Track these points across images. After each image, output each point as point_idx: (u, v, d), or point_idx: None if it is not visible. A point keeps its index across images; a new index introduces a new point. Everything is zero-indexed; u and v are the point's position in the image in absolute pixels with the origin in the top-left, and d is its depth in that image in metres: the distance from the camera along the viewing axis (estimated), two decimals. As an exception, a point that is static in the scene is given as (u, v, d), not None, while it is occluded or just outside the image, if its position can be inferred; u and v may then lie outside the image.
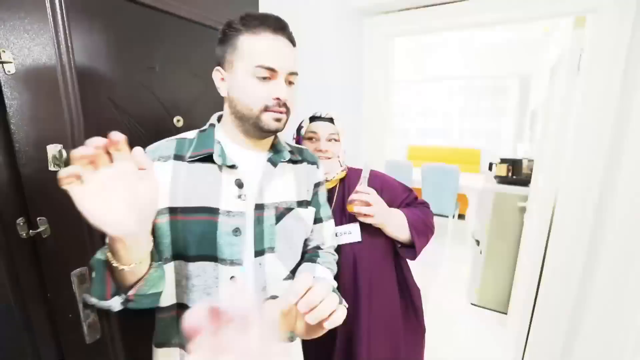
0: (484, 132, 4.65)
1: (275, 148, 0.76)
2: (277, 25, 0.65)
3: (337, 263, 0.87)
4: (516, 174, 2.42)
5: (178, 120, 1.07)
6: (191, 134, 0.73)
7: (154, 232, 0.62)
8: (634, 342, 0.86)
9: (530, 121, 3.53)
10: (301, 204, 0.76)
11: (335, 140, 0.95)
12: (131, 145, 0.51)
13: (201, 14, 1.10)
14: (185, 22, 1.06)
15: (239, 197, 0.66)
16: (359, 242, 0.93)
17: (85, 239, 0.83)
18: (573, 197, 1.21)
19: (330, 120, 0.96)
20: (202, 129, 0.74)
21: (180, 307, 0.68)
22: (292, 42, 0.69)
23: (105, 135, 0.47)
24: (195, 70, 1.11)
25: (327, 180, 0.95)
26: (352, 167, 1.04)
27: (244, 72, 0.64)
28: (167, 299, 0.67)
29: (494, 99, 4.70)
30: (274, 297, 0.71)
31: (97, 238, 0.86)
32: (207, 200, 0.64)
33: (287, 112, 0.68)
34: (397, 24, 1.40)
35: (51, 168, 0.72)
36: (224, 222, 0.64)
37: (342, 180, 1.00)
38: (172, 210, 0.64)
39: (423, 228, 0.93)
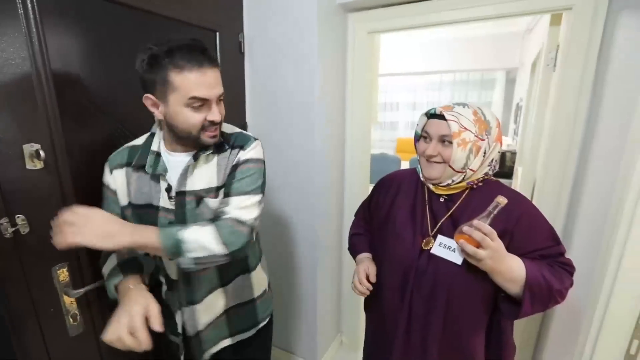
0: (471, 125, 4.70)
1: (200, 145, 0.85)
2: (204, 59, 0.72)
3: (422, 272, 0.80)
4: (499, 166, 2.48)
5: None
6: (141, 140, 0.86)
7: (125, 219, 0.80)
8: (598, 323, 0.91)
9: (514, 114, 3.59)
10: (216, 189, 0.83)
11: (449, 142, 0.76)
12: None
13: (185, 13, 1.10)
14: (168, 21, 1.06)
15: (170, 198, 0.81)
16: (456, 265, 0.77)
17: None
18: (548, 188, 1.25)
19: (443, 117, 0.77)
20: (149, 133, 0.86)
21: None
22: (215, 64, 0.75)
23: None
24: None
25: (437, 185, 0.83)
26: (494, 180, 0.86)
27: (178, 103, 0.72)
28: None
29: (482, 92, 4.76)
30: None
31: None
32: (149, 199, 0.82)
33: (220, 125, 0.81)
34: (381, 19, 1.41)
35: (28, 167, 0.73)
36: (163, 215, 0.82)
37: (472, 189, 0.83)
38: (130, 205, 0.83)
39: (544, 295, 0.72)
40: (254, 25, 1.38)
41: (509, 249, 0.73)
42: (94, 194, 0.87)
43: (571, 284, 0.77)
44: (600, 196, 1.04)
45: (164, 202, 0.81)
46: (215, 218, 0.79)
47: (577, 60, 1.12)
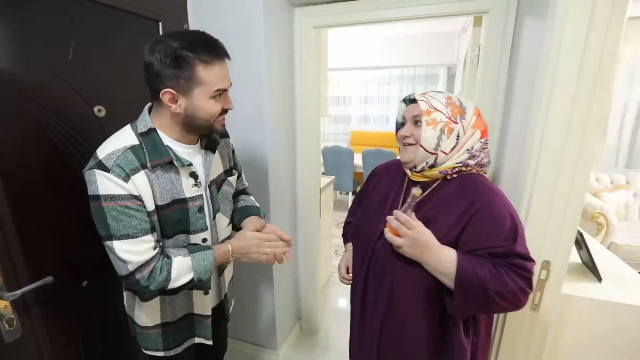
0: (418, 118, 5.00)
1: (208, 137, 0.91)
2: (223, 52, 0.78)
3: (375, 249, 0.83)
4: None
5: (99, 110, 1.03)
6: (132, 139, 0.78)
7: (153, 225, 0.79)
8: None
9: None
10: (227, 172, 1.02)
11: (421, 122, 0.76)
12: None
13: (124, 0, 1.05)
14: (106, 8, 1.01)
15: (195, 185, 0.86)
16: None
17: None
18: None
19: (414, 101, 0.79)
20: (141, 131, 0.79)
21: None
22: (228, 56, 0.81)
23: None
24: (117, 58, 1.07)
25: (413, 171, 0.83)
26: (476, 173, 0.81)
27: (203, 95, 0.76)
28: None
29: (427, 87, 5.09)
30: (222, 241, 0.98)
31: (8, 230, 0.82)
32: (174, 195, 0.82)
33: None
34: (326, 15, 1.47)
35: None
36: (191, 205, 0.85)
37: (446, 179, 0.80)
38: (157, 208, 0.80)
39: (478, 293, 0.68)
40: (200, 17, 1.36)
41: (459, 244, 0.74)
42: (27, 191, 0.82)
43: (520, 289, 0.69)
44: (511, 190, 1.11)
45: (189, 192, 0.84)
46: (243, 191, 1.15)
47: (493, 59, 1.28)
